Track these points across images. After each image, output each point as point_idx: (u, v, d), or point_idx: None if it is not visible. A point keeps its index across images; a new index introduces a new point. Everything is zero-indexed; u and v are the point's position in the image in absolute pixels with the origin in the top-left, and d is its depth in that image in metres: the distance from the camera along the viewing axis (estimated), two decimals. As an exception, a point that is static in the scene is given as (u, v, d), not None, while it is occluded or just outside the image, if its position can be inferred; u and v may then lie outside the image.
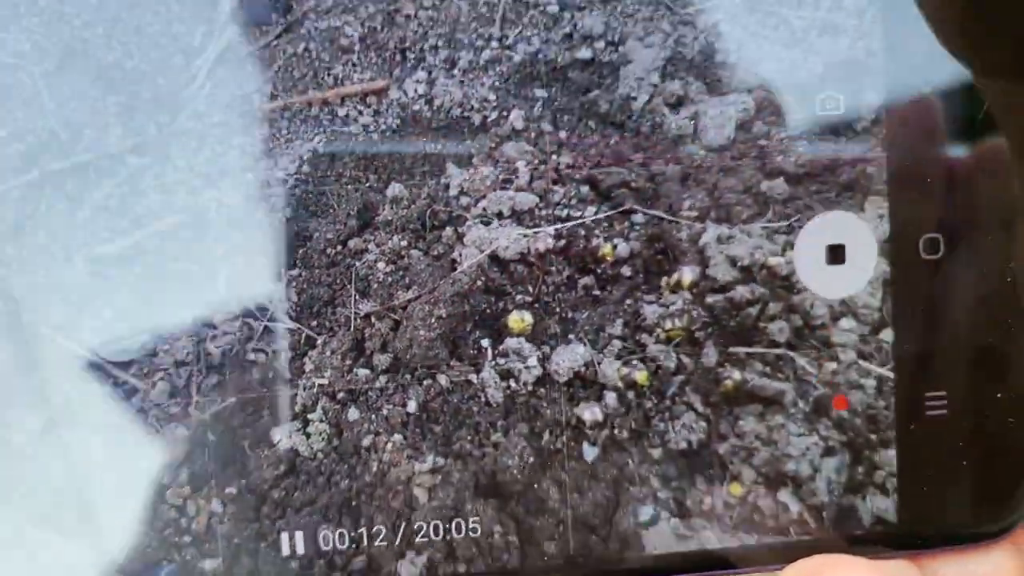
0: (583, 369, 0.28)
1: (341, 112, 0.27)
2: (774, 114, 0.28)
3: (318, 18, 0.26)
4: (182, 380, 0.26)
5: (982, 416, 0.27)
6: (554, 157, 0.28)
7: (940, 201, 0.28)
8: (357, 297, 0.27)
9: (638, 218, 0.28)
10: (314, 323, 0.27)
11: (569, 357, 0.27)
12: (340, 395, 0.27)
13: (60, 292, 0.25)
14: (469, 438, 0.27)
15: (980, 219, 0.28)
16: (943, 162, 0.28)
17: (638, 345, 0.28)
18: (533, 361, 0.27)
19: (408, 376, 0.27)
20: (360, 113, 0.27)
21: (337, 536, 0.26)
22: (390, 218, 0.27)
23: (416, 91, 0.27)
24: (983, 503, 0.27)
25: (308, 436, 0.26)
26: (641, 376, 0.28)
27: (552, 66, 0.28)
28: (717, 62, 0.28)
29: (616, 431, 0.28)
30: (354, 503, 0.27)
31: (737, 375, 0.28)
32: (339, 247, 0.27)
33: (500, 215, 0.28)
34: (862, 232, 0.28)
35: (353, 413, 0.27)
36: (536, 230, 0.28)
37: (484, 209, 0.28)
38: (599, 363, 0.28)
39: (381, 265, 0.27)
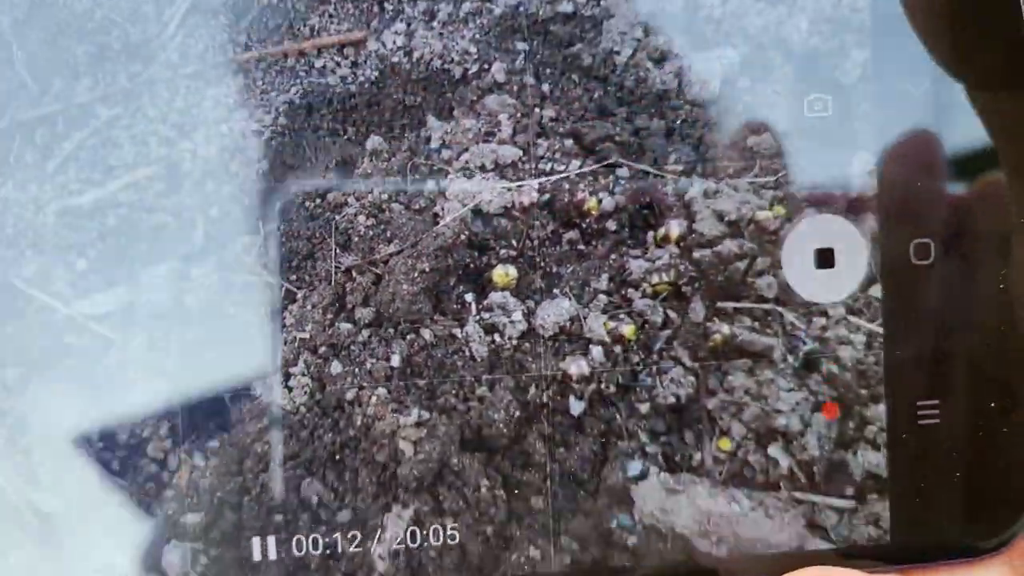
0: (568, 323, 0.26)
1: (318, 64, 0.25)
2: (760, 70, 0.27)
3: (294, -32, 0.25)
4: (160, 333, 0.24)
5: (976, 426, 0.26)
6: (537, 110, 0.26)
7: (931, 205, 0.26)
8: (337, 251, 0.26)
9: (623, 172, 0.27)
10: (294, 277, 0.25)
11: (554, 311, 0.26)
12: (322, 349, 0.26)
13: (32, 244, 0.24)
14: (454, 392, 0.26)
15: (972, 224, 0.26)
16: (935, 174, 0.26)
17: (624, 300, 0.27)
18: (518, 315, 0.26)
19: (391, 330, 0.26)
20: (338, 65, 0.25)
21: (321, 490, 0.25)
22: (370, 171, 0.26)
23: (395, 43, 0.26)
24: (977, 516, 0.26)
25: (290, 390, 0.25)
26: (628, 330, 0.27)
27: (533, 19, 0.26)
28: (702, 16, 0.26)
29: (603, 385, 0.26)
30: (338, 457, 0.25)
31: (725, 330, 0.27)
32: (318, 200, 0.26)
33: (483, 168, 0.26)
34: (851, 236, 0.26)
35: (336, 367, 0.25)
36: (520, 184, 0.26)
37: (466, 162, 0.26)
38: (585, 317, 0.26)
39: (362, 219, 0.26)
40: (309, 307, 0.25)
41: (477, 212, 0.26)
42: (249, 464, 0.25)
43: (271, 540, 0.25)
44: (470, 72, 0.26)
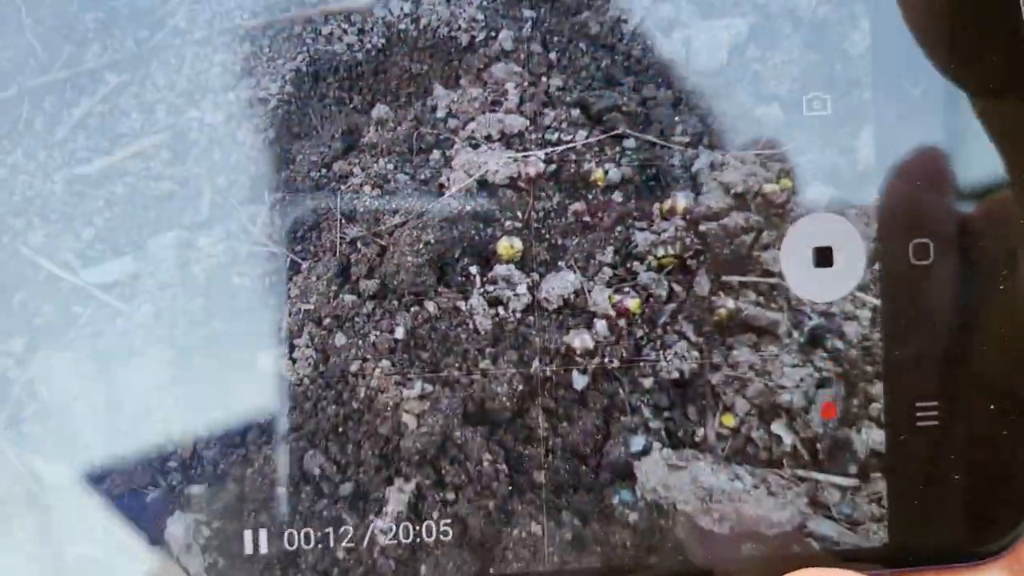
0: (573, 297, 0.29)
1: (325, 31, 0.28)
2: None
3: (299, -68, 0.28)
4: (167, 303, 0.27)
5: (975, 428, 0.28)
6: (544, 79, 0.29)
7: (931, 205, 0.29)
8: (343, 221, 0.29)
9: (630, 143, 0.29)
10: (299, 248, 0.28)
11: (559, 284, 0.29)
12: (326, 320, 0.28)
13: (39, 212, 0.27)
14: (457, 365, 0.29)
15: (972, 224, 0.29)
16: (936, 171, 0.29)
17: (629, 273, 0.29)
18: (522, 288, 0.29)
19: (395, 302, 0.29)
20: (344, 32, 0.28)
21: (324, 462, 0.28)
22: (375, 141, 0.29)
23: (402, 9, 0.28)
24: (976, 520, 0.28)
25: (294, 361, 0.28)
26: (633, 304, 0.29)
27: (540, -14, 0.29)
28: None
29: (606, 360, 0.29)
30: (341, 429, 0.28)
31: (730, 304, 0.29)
32: (323, 170, 0.28)
33: (489, 138, 0.29)
34: (850, 234, 0.29)
35: (340, 339, 0.28)
36: (526, 154, 0.29)
37: (473, 132, 0.29)
38: (589, 291, 0.29)
39: (367, 189, 0.29)
40: (314, 278, 0.28)
41: (483, 183, 0.29)
42: (252, 436, 0.28)
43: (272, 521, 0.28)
44: (477, 40, 0.29)
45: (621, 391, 0.29)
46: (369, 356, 0.28)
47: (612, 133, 0.29)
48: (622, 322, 0.29)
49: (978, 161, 0.29)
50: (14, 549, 0.25)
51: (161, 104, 0.27)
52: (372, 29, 0.28)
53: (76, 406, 0.26)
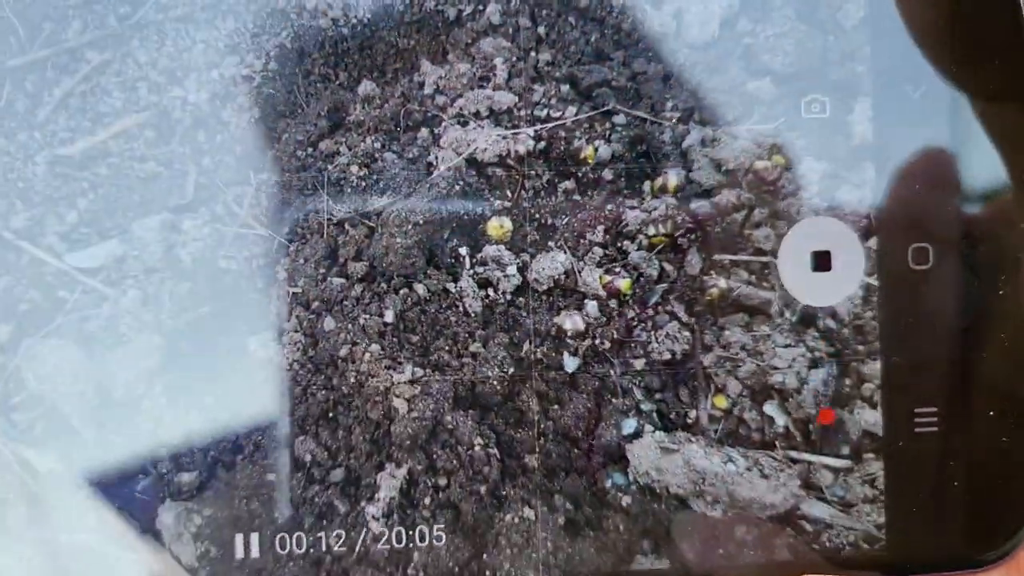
0: (563, 277, 0.33)
1: (309, 4, 0.32)
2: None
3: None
4: (153, 287, 0.31)
5: (975, 435, 0.30)
6: (532, 54, 0.33)
7: (931, 209, 0.31)
8: (330, 202, 0.33)
9: (620, 119, 0.34)
10: (285, 230, 0.32)
11: (549, 265, 0.33)
12: (315, 304, 0.32)
13: (22, 195, 0.30)
14: (447, 348, 0.33)
15: (973, 228, 0.31)
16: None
17: (620, 252, 0.33)
18: (512, 269, 0.33)
19: (384, 285, 0.33)
20: (329, 6, 0.32)
21: (315, 448, 0.33)
22: (362, 118, 0.33)
23: (386, -18, 0.32)
24: (976, 527, 0.30)
25: (283, 346, 0.32)
26: (623, 284, 0.33)
27: (528, -43, 0.33)
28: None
29: (598, 341, 0.33)
30: (331, 414, 0.32)
31: (722, 283, 0.33)
32: (309, 149, 0.33)
33: (478, 115, 0.33)
34: (849, 239, 0.32)
35: (329, 323, 0.32)
36: (515, 131, 0.33)
37: (461, 109, 0.33)
38: (580, 271, 0.33)
39: (354, 169, 0.33)
40: (301, 261, 0.32)
41: (472, 161, 0.33)
42: (243, 423, 0.32)
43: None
44: (464, 14, 0.33)
45: (612, 373, 0.33)
46: (359, 340, 0.32)
47: (602, 109, 0.33)
48: (613, 303, 0.33)
49: (979, 164, 0.32)
50: (5, 538, 0.29)
51: (143, 83, 0.30)
52: (357, 3, 0.32)
53: (64, 393, 0.30)
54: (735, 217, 0.33)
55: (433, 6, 0.32)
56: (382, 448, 0.32)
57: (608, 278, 0.33)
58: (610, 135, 0.33)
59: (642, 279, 0.33)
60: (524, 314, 0.32)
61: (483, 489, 0.32)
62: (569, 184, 0.33)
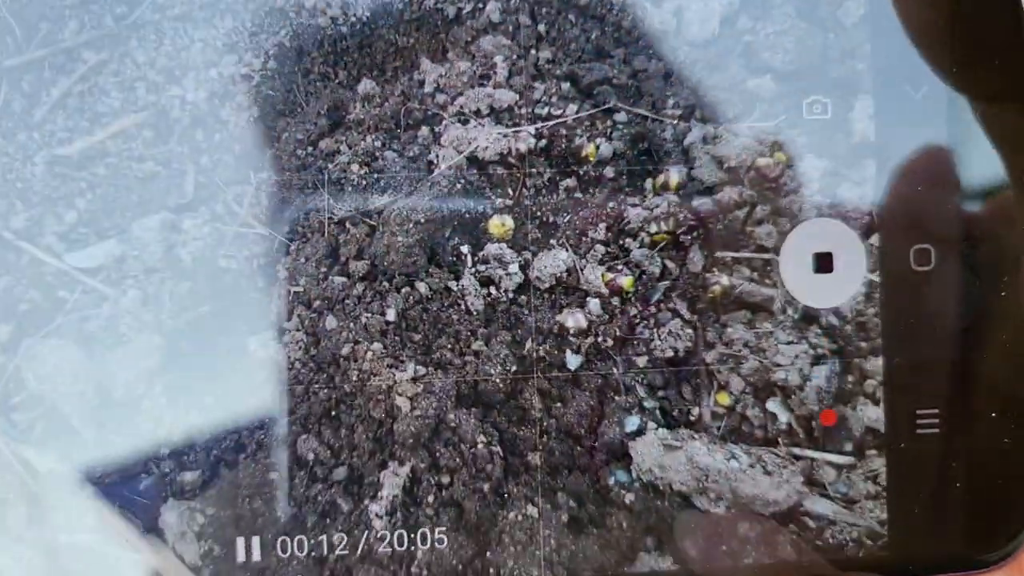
0: (565, 275, 0.32)
1: (308, 3, 0.31)
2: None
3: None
4: (153, 287, 0.31)
5: (977, 436, 0.30)
6: (533, 52, 0.33)
7: (932, 209, 0.31)
8: (330, 201, 0.32)
9: (621, 117, 0.33)
10: (286, 229, 0.32)
11: (551, 263, 0.33)
12: (316, 303, 0.32)
13: (21, 195, 0.30)
14: (449, 347, 0.32)
15: (974, 228, 0.31)
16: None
17: (622, 250, 0.33)
18: (514, 267, 0.32)
19: (386, 283, 0.32)
20: (328, 5, 0.32)
21: (318, 447, 0.32)
22: (362, 117, 0.32)
23: (386, -20, 0.32)
24: (978, 528, 0.30)
25: (284, 345, 0.32)
26: (626, 282, 0.33)
27: (528, -46, 0.32)
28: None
29: (600, 339, 0.33)
30: (334, 413, 0.32)
31: (724, 280, 0.33)
32: (309, 148, 0.32)
33: (478, 113, 0.33)
34: (851, 240, 0.32)
35: (331, 321, 0.32)
36: (516, 129, 0.33)
37: (461, 107, 0.33)
38: (582, 269, 0.33)
39: (355, 167, 0.32)
40: (302, 260, 0.32)
41: (473, 160, 0.32)
42: (245, 421, 0.31)
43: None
44: (464, 11, 0.32)
45: (615, 371, 0.32)
46: (361, 339, 0.32)
47: (603, 107, 0.32)
48: (615, 300, 0.32)
49: (980, 164, 0.32)
50: (5, 538, 0.28)
51: (141, 82, 0.30)
52: (356, 1, 0.31)
53: (64, 393, 0.29)
54: (737, 214, 0.33)
55: (433, 4, 0.31)
56: (385, 446, 0.31)
57: (610, 276, 0.32)
58: (611, 133, 0.32)
59: (644, 276, 0.32)
60: (526, 312, 0.32)
61: (486, 487, 0.32)
62: (571, 182, 0.32)
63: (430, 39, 0.31)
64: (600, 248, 0.32)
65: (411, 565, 0.31)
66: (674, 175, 0.32)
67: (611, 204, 0.32)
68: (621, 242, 0.32)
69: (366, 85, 0.31)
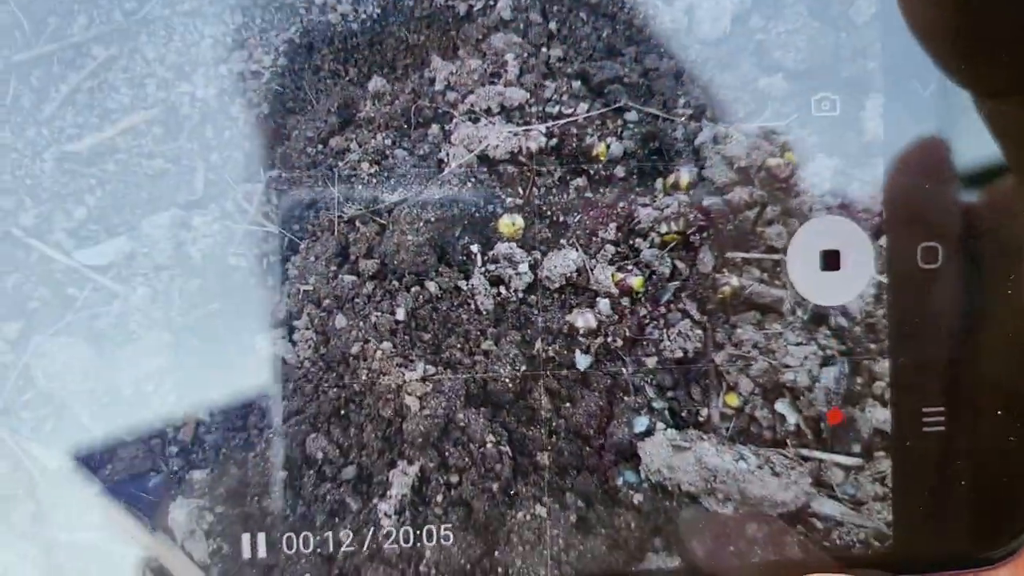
0: (575, 275, 0.32)
1: (318, 0, 0.31)
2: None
3: None
4: (163, 284, 0.30)
5: (982, 434, 0.31)
6: (544, 50, 0.32)
7: (939, 207, 0.31)
8: (340, 199, 0.31)
9: (632, 116, 0.32)
10: (296, 227, 0.31)
11: (561, 263, 0.32)
12: (326, 302, 0.31)
13: (30, 192, 0.29)
14: (459, 346, 0.32)
15: (981, 228, 0.31)
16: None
17: (632, 250, 0.32)
18: (524, 267, 0.32)
19: (396, 282, 0.32)
20: (339, 1, 0.31)
21: (327, 445, 0.31)
22: (372, 115, 0.32)
23: (397, -23, 0.31)
24: (983, 525, 0.30)
25: (294, 344, 0.31)
26: (636, 282, 0.32)
27: (540, -48, 0.32)
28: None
29: (610, 339, 0.32)
30: (343, 412, 0.31)
31: (734, 281, 0.32)
32: (319, 146, 0.31)
33: (489, 112, 0.32)
34: (858, 238, 0.32)
35: (340, 320, 0.31)
36: (527, 128, 0.32)
37: (472, 105, 0.32)
38: (592, 268, 0.32)
39: (365, 166, 0.32)
40: (312, 258, 0.31)
41: (483, 158, 0.32)
42: (254, 420, 0.31)
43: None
44: (475, 9, 0.32)
45: (624, 371, 0.32)
46: (370, 338, 0.31)
47: (614, 106, 0.32)
48: (625, 300, 0.32)
49: (989, 162, 0.31)
50: (13, 535, 0.28)
51: (151, 78, 0.29)
52: (367, -2, 0.31)
53: (74, 391, 0.29)
54: (747, 214, 0.32)
55: (443, 1, 0.30)
56: (394, 446, 0.31)
57: (620, 276, 0.32)
58: (622, 132, 0.32)
59: (654, 277, 0.32)
60: (536, 312, 0.31)
61: (495, 487, 0.31)
62: (581, 181, 0.32)
63: (441, 36, 0.31)
64: (610, 248, 0.32)
65: (419, 564, 0.30)
66: (685, 175, 0.32)
67: (621, 204, 0.32)
68: (631, 242, 0.32)
69: (376, 82, 0.31)
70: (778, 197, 0.32)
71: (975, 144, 0.31)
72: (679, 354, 0.32)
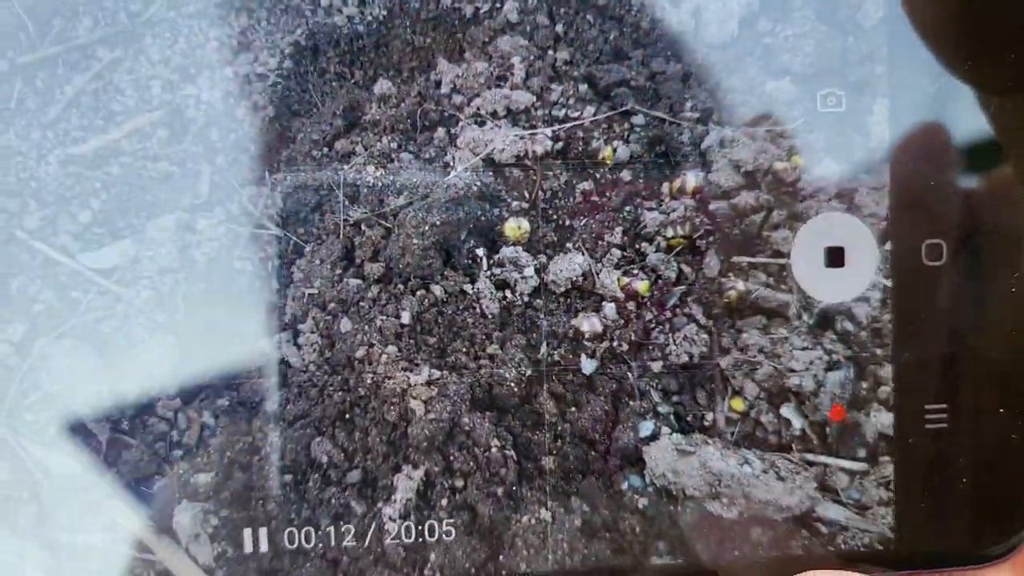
0: (581, 279, 0.32)
1: (324, 2, 0.30)
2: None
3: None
4: (167, 288, 0.30)
5: (984, 431, 0.31)
6: (551, 52, 0.32)
7: (944, 205, 0.31)
8: (346, 203, 0.31)
9: (638, 119, 0.32)
10: (301, 230, 0.31)
11: (567, 266, 0.32)
12: (331, 305, 0.31)
13: (35, 195, 0.29)
14: (464, 350, 0.31)
15: (984, 225, 0.31)
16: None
17: (638, 254, 0.32)
18: (530, 271, 0.31)
19: (401, 286, 0.31)
20: (345, 3, 0.30)
21: (332, 449, 0.31)
22: (378, 118, 0.31)
23: (403, -20, 0.31)
24: (984, 522, 0.30)
25: (299, 347, 0.31)
26: (642, 286, 0.32)
27: (547, -45, 0.31)
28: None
29: (615, 343, 0.32)
30: (348, 416, 0.31)
31: (740, 286, 0.32)
32: (325, 149, 0.31)
33: (495, 115, 0.32)
34: (863, 235, 0.31)
35: (345, 324, 0.31)
36: (533, 131, 0.32)
37: (478, 108, 0.32)
38: (598, 272, 0.32)
39: (370, 168, 0.31)
40: (317, 262, 0.31)
41: (489, 161, 0.31)
42: (258, 423, 0.30)
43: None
44: (481, 11, 0.31)
45: (630, 375, 0.32)
46: (375, 341, 0.31)
47: (621, 110, 0.31)
48: (631, 305, 0.32)
49: (994, 160, 0.31)
50: (18, 537, 0.28)
51: (156, 81, 0.29)
52: (373, 0, 0.30)
53: (78, 393, 0.28)
54: (753, 219, 0.32)
55: (450, 3, 0.30)
56: (399, 450, 0.30)
57: (626, 280, 0.32)
58: (628, 135, 0.31)
59: (660, 281, 0.32)
60: (541, 316, 0.31)
61: (500, 491, 0.31)
62: (587, 185, 0.31)
63: (447, 39, 0.30)
64: (616, 252, 0.32)
65: (424, 568, 0.30)
66: (691, 179, 0.32)
67: (627, 208, 0.31)
68: (637, 246, 0.32)
69: (382, 85, 0.30)
70: (784, 201, 0.32)
71: (979, 142, 0.31)
72: (685, 358, 0.32)
